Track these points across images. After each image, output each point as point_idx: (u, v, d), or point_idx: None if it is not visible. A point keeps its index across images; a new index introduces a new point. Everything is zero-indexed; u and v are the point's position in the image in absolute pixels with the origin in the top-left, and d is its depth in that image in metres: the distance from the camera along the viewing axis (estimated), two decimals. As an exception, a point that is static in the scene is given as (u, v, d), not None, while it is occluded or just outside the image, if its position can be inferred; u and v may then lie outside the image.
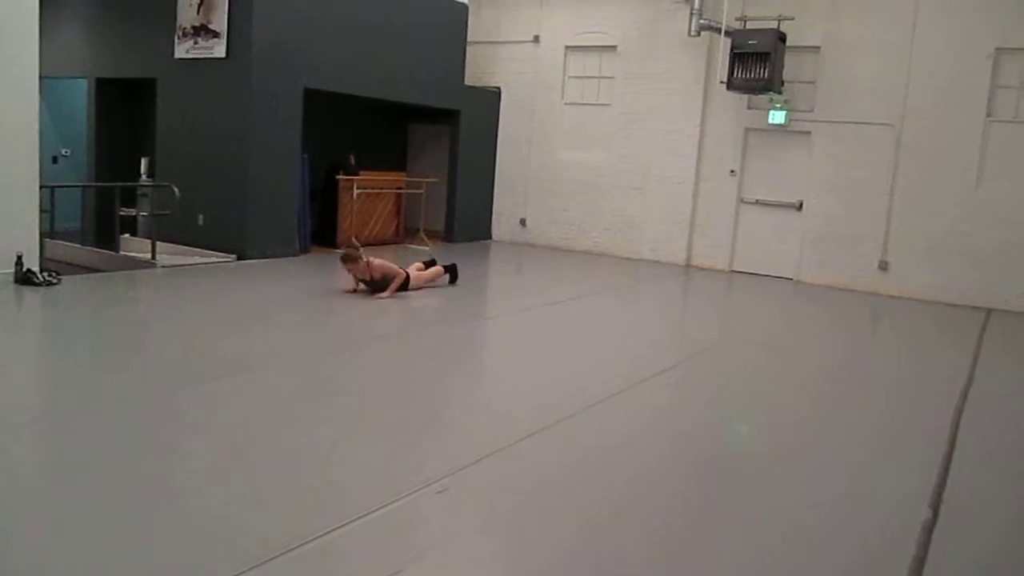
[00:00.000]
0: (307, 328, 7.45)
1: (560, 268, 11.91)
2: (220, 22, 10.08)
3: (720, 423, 5.48)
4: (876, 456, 4.90)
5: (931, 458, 4.78)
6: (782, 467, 4.59)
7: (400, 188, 13.13)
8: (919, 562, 3.48)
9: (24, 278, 7.74)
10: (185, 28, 10.44)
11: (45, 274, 7.90)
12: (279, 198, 10.48)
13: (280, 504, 3.61)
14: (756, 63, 11.16)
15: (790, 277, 11.89)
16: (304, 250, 10.95)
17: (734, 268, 12.40)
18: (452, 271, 9.50)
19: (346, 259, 8.42)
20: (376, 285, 8.49)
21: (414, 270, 8.99)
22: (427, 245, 12.71)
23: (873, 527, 3.85)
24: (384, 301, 8.37)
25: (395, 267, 8.66)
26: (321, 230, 11.81)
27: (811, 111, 11.60)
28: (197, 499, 3.60)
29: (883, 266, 11.19)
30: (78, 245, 10.70)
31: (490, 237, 14.37)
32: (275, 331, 6.98)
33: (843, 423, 5.56)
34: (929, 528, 3.81)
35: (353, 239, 8.64)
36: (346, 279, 8.66)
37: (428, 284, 9.10)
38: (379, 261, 8.57)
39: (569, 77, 13.61)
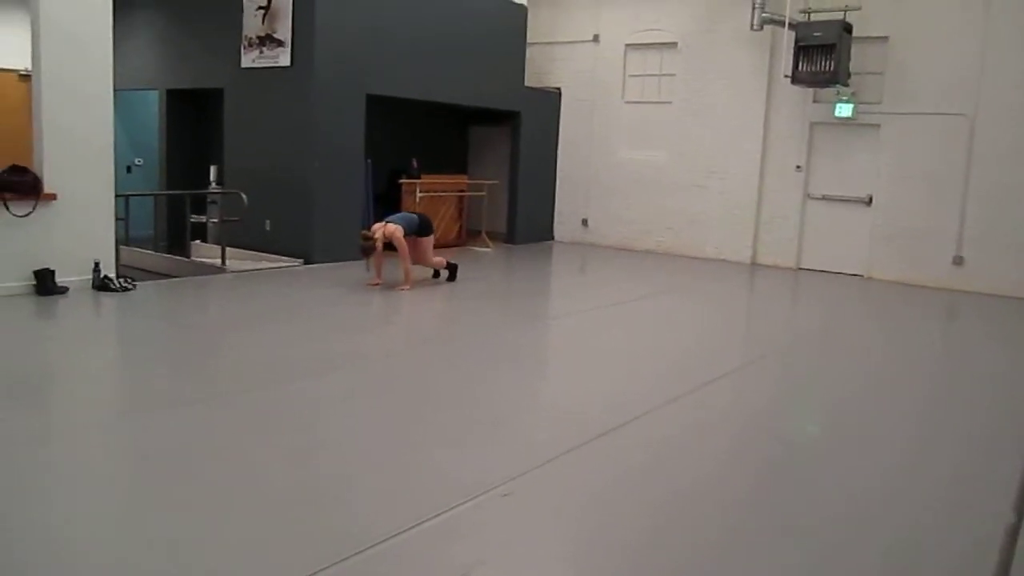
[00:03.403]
0: (372, 330, 7.54)
1: (623, 268, 11.84)
2: (284, 31, 10.28)
3: (791, 424, 5.38)
4: (958, 459, 4.75)
5: (1017, 462, 4.61)
6: (856, 469, 4.48)
7: (462, 191, 13.20)
8: (1004, 567, 3.36)
9: (101, 284, 7.99)
10: (251, 38, 10.67)
11: (121, 280, 8.15)
12: (343, 203, 10.64)
13: (347, 507, 3.66)
14: (821, 56, 10.92)
15: (860, 274, 11.60)
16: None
17: (801, 266, 12.16)
18: (452, 269, 9.51)
19: (367, 251, 8.82)
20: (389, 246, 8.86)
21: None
22: (489, 247, 12.76)
23: (956, 532, 3.73)
24: (444, 303, 8.42)
25: (401, 240, 8.78)
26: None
27: (879, 103, 11.30)
28: (265, 500, 3.67)
29: (958, 261, 10.84)
30: (151, 251, 11.03)
31: (552, 238, 14.35)
32: (341, 334, 7.08)
33: (922, 425, 5.40)
34: (1014, 533, 3.67)
35: (363, 231, 8.95)
36: (369, 274, 9.20)
37: (425, 264, 9.22)
38: (393, 232, 8.76)
39: (629, 75, 13.51)
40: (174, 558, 3.16)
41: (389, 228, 8.79)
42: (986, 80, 10.50)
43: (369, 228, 8.99)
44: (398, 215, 9.32)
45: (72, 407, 4.97)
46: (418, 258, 9.15)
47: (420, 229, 9.07)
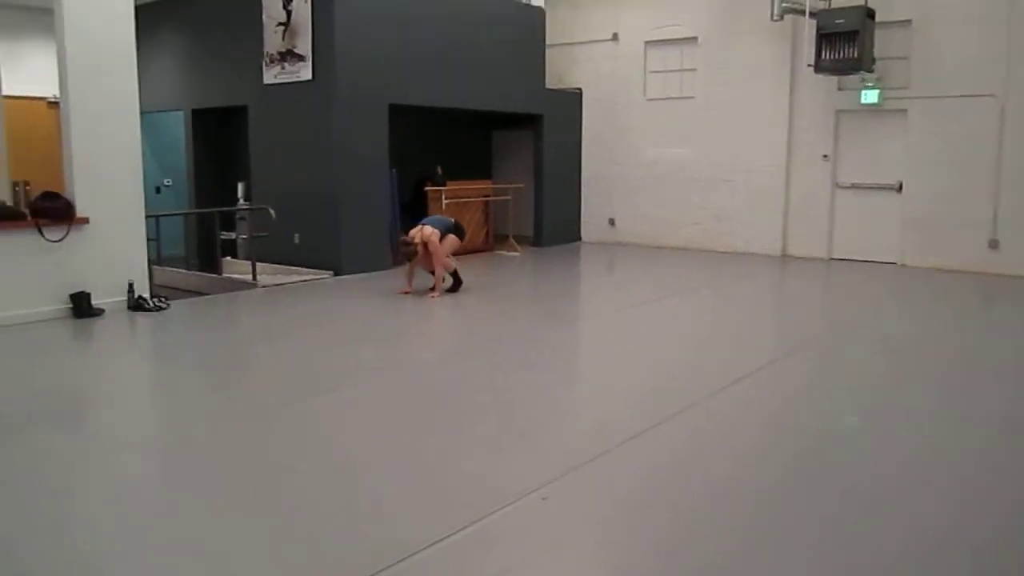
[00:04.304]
0: (404, 339, 7.57)
1: (652, 266, 11.78)
2: (305, 45, 10.36)
3: (829, 420, 5.30)
4: (990, 447, 4.66)
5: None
6: (889, 460, 4.41)
7: (487, 196, 13.21)
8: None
9: (136, 304, 8.10)
10: (272, 54, 10.77)
11: (155, 300, 8.26)
12: (370, 213, 10.70)
13: (387, 515, 3.67)
14: (844, 43, 10.79)
15: (893, 261, 11.45)
16: (396, 263, 11.12)
17: (833, 256, 12.02)
18: (457, 277, 9.27)
19: (409, 255, 8.90)
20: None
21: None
22: (517, 251, 12.76)
23: (986, 521, 3.66)
24: (475, 309, 8.43)
25: (438, 245, 8.86)
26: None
27: (906, 88, 11.14)
28: (306, 512, 3.69)
29: (993, 245, 10.66)
30: (183, 270, 11.16)
31: (579, 239, 14.32)
32: (373, 344, 7.11)
33: (956, 414, 5.31)
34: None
35: (402, 238, 8.97)
36: (403, 281, 9.22)
37: (438, 260, 9.03)
38: (431, 237, 8.81)
39: (650, 72, 13.45)
40: (211, 572, 3.18)
41: (426, 231, 8.86)
42: (1015, 58, 10.31)
43: (406, 233, 9.03)
44: (432, 218, 9.38)
45: (111, 427, 5.03)
46: (435, 258, 9.00)
47: (454, 231, 9.14)
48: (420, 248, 8.83)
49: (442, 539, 3.38)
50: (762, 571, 3.23)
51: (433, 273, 9.06)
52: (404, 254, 8.95)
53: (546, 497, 3.82)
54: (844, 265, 11.63)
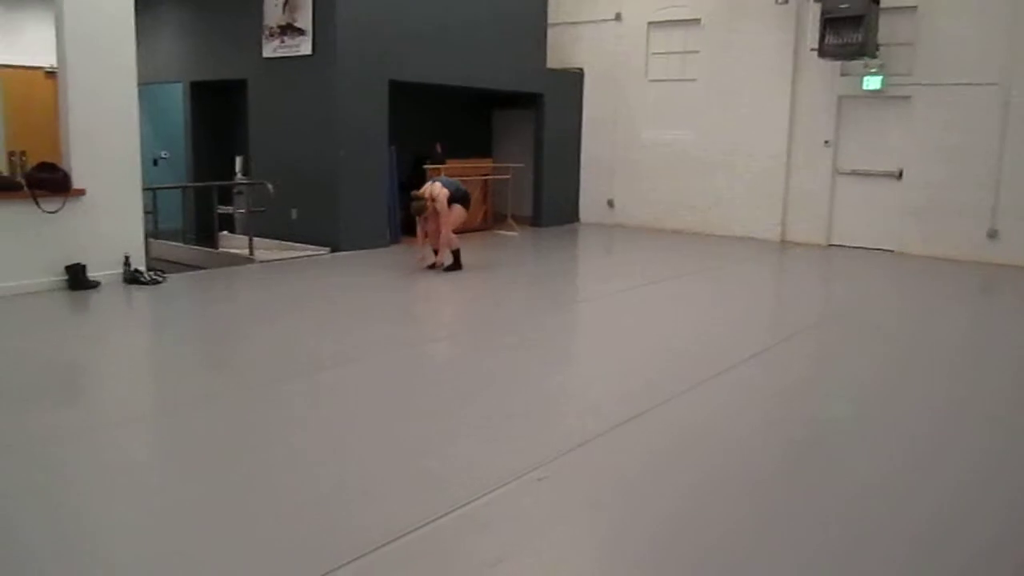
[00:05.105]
0: (401, 319, 7.55)
1: (651, 249, 11.76)
2: (305, 20, 10.26)
3: (822, 405, 5.31)
4: (989, 437, 4.67)
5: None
6: (887, 449, 4.42)
7: (487, 175, 13.15)
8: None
9: (132, 277, 8.07)
10: (272, 28, 10.67)
11: (151, 273, 8.22)
12: (369, 190, 10.65)
13: (382, 495, 3.67)
14: (848, 27, 10.72)
15: (891, 249, 11.43)
16: (395, 240, 11.10)
17: (832, 242, 12.00)
18: (457, 256, 9.17)
19: (419, 210, 8.94)
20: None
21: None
22: (516, 231, 12.73)
23: (985, 512, 3.68)
24: (473, 288, 8.42)
25: (445, 204, 8.92)
26: (410, 220, 11.92)
27: (909, 74, 11.08)
28: (299, 491, 3.68)
29: (992, 234, 10.65)
30: (180, 244, 11.12)
31: (578, 220, 14.28)
32: (370, 323, 7.09)
33: (953, 403, 5.32)
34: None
35: (413, 192, 9.03)
36: (421, 257, 9.29)
37: (444, 233, 9.07)
38: (440, 193, 8.89)
39: (653, 54, 13.36)
40: (197, 551, 3.18)
41: (435, 188, 8.93)
42: (1019, 47, 10.26)
43: (418, 189, 9.10)
44: (442, 177, 9.40)
45: (105, 402, 5.02)
46: (443, 224, 9.04)
47: (461, 198, 9.14)
48: (429, 204, 8.84)
49: (434, 519, 3.38)
50: (757, 555, 3.23)
51: (437, 244, 9.13)
52: (415, 209, 8.98)
53: (542, 478, 3.82)
54: (842, 252, 11.61)
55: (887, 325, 7.62)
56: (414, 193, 9.04)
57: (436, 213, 8.97)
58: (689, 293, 8.88)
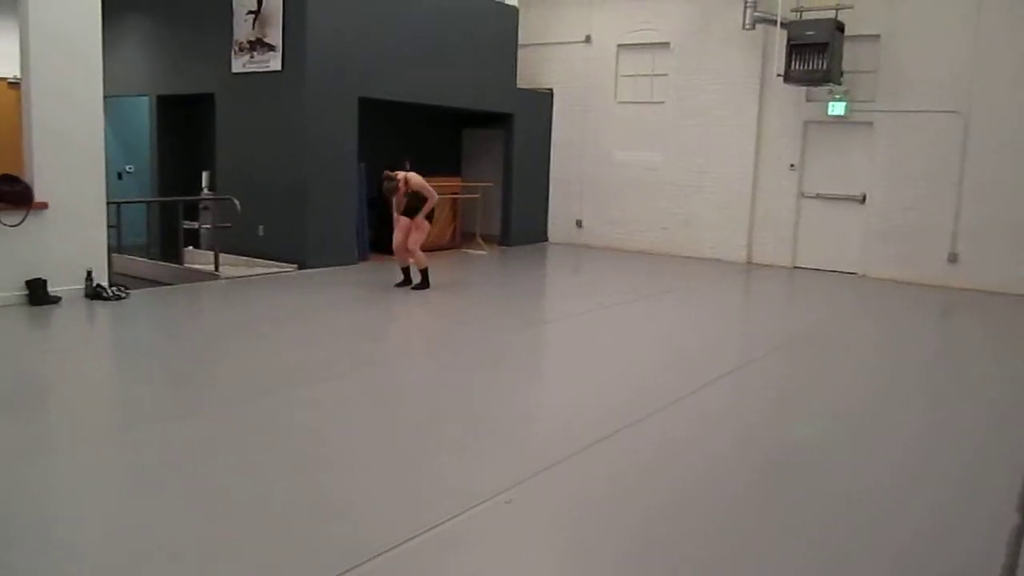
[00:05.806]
0: (369, 337, 7.48)
1: (618, 269, 11.81)
2: (275, 35, 10.22)
3: (790, 426, 5.35)
4: (960, 459, 4.73)
5: (1020, 462, 4.59)
6: (857, 471, 4.45)
7: (456, 194, 13.14)
8: (1009, 570, 3.34)
9: (94, 293, 7.92)
10: (241, 43, 10.61)
11: (114, 288, 8.08)
12: (337, 208, 10.59)
13: (350, 517, 3.61)
14: (814, 54, 10.92)
15: (855, 272, 11.60)
16: (363, 258, 11.04)
17: (797, 264, 12.15)
18: (425, 275, 9.10)
19: (390, 191, 8.97)
20: (410, 207, 9.01)
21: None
22: (484, 250, 12.72)
23: (959, 533, 3.71)
24: (440, 307, 8.38)
25: (430, 188, 9.06)
26: (379, 238, 11.88)
27: (872, 101, 11.30)
28: (264, 511, 3.62)
29: (952, 258, 10.85)
30: (144, 259, 10.97)
31: (546, 239, 14.32)
32: (338, 340, 7.03)
33: (922, 426, 5.38)
34: (1019, 534, 3.65)
35: (386, 172, 9.08)
36: (396, 275, 9.26)
37: (411, 247, 9.05)
38: (416, 178, 8.99)
39: (622, 76, 13.48)
40: (173, 571, 3.11)
41: (410, 174, 9.00)
42: (979, 77, 10.51)
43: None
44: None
45: (67, 419, 4.91)
46: (410, 238, 9.02)
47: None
48: (401, 187, 8.87)
49: (406, 540, 3.34)
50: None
51: (405, 259, 9.13)
52: (387, 189, 8.98)
53: (510, 501, 3.79)
54: (807, 274, 11.76)
55: (852, 348, 7.71)
56: (387, 173, 9.01)
57: (406, 226, 8.94)
58: (658, 313, 8.92)
